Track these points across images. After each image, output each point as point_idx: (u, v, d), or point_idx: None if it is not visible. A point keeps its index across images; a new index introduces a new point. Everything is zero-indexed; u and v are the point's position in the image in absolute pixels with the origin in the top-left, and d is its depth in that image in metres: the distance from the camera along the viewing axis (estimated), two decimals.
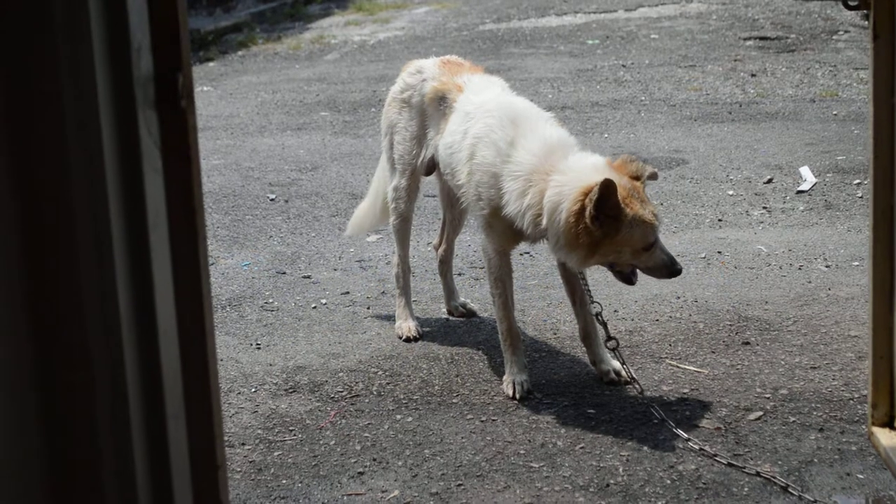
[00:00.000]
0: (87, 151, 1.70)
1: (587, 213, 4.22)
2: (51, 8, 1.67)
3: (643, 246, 4.34)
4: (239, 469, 4.19)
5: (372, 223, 5.84)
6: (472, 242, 6.72)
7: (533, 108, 4.81)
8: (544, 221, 4.38)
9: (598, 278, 5.53)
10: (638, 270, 4.50)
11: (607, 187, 4.18)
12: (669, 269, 4.43)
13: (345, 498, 3.97)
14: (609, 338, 4.68)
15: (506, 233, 4.64)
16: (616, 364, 4.76)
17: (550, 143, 4.55)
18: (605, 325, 4.69)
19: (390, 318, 5.55)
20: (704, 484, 3.91)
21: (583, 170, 4.39)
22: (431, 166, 5.22)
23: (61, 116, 1.69)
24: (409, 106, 5.22)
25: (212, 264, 6.48)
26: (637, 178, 4.44)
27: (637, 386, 4.58)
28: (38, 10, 1.67)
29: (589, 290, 4.77)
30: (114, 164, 1.74)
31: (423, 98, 5.13)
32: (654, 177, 4.54)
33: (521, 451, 4.22)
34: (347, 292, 6.04)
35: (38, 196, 1.70)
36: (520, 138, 4.57)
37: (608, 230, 4.26)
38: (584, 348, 4.93)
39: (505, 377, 4.75)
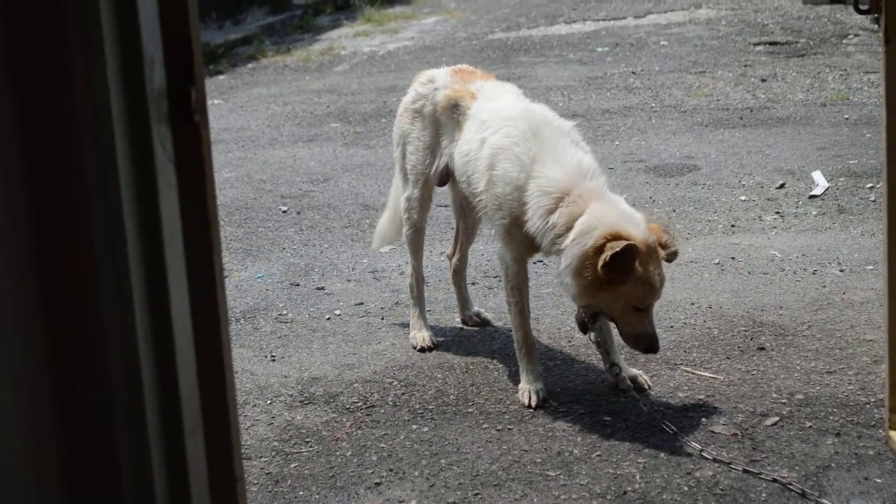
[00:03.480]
0: (101, 167, 1.70)
1: (602, 257, 4.23)
2: (63, 23, 1.67)
3: (637, 305, 4.36)
4: (256, 481, 4.19)
5: (396, 234, 5.82)
6: (485, 252, 6.72)
7: (554, 117, 4.80)
8: (566, 242, 4.38)
9: None
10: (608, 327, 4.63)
11: (630, 250, 4.22)
12: (648, 340, 4.44)
13: None
14: (612, 364, 4.76)
15: (524, 243, 4.62)
16: (632, 371, 4.76)
17: (582, 166, 4.53)
18: (607, 353, 4.78)
19: (405, 329, 5.55)
20: (722, 490, 3.90)
21: (622, 213, 4.40)
22: (445, 176, 5.22)
23: (76, 132, 1.69)
24: (422, 116, 5.22)
25: (226, 277, 6.48)
26: (664, 246, 4.43)
27: (644, 405, 4.54)
28: (51, 26, 1.67)
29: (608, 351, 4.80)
30: (128, 179, 1.74)
31: (436, 107, 5.13)
32: (674, 256, 4.51)
33: (538, 460, 4.21)
34: (361, 303, 6.04)
35: (54, 213, 1.71)
36: (546, 154, 4.56)
37: (614, 279, 4.28)
38: (598, 355, 4.92)
39: (520, 386, 4.74)
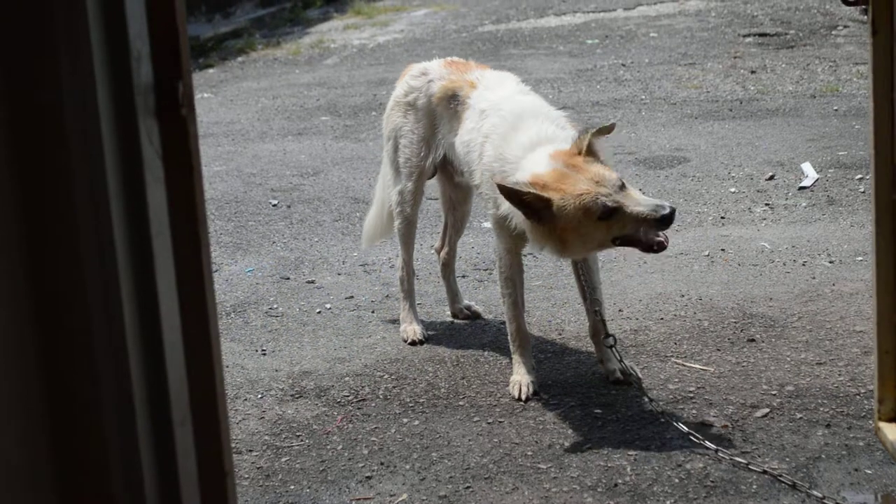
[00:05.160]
0: (88, 161, 1.70)
1: (520, 214, 4.24)
2: (51, 18, 1.67)
3: (597, 216, 4.15)
4: (247, 475, 4.19)
5: (384, 231, 5.79)
6: (475, 244, 6.72)
7: (542, 105, 4.79)
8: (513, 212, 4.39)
9: (602, 277, 5.53)
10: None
11: (503, 191, 4.20)
12: (654, 218, 4.11)
13: (353, 502, 3.97)
14: (606, 335, 4.68)
15: (514, 232, 4.60)
16: (624, 362, 4.76)
17: (537, 136, 4.49)
18: (604, 322, 4.71)
19: (395, 322, 5.55)
20: (713, 482, 3.91)
21: (529, 168, 4.35)
22: (434, 168, 5.23)
23: (62, 127, 1.69)
24: (415, 109, 5.20)
25: (215, 271, 6.48)
26: (578, 152, 4.29)
27: (647, 399, 4.52)
28: (38, 20, 1.67)
29: (604, 322, 4.74)
30: (115, 173, 1.74)
31: (431, 99, 5.12)
32: (603, 131, 4.34)
33: (529, 453, 4.22)
34: (352, 296, 6.04)
35: (41, 207, 1.71)
36: (516, 136, 4.54)
37: (548, 220, 4.21)
38: (589, 348, 4.92)
39: (512, 378, 4.74)
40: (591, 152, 4.32)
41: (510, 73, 5.17)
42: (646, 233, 4.18)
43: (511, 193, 4.18)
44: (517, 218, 4.35)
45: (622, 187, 4.20)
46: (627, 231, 4.19)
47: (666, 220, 4.13)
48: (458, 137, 4.93)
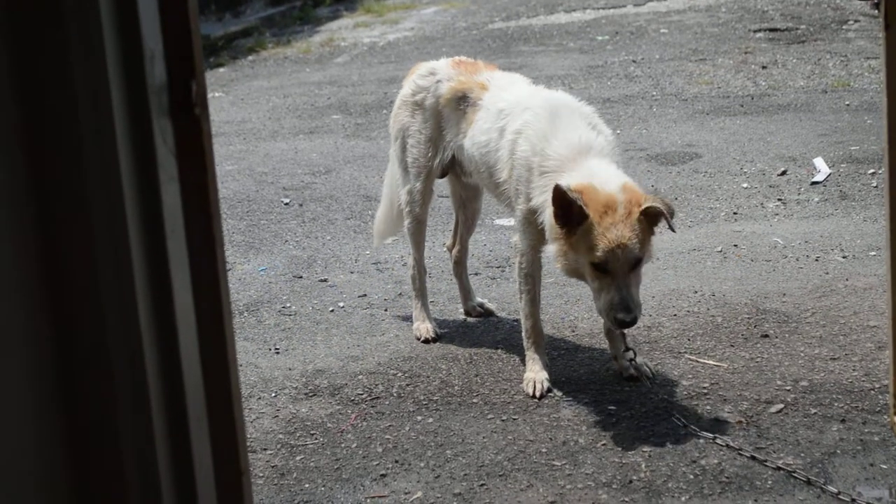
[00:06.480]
0: (103, 161, 1.70)
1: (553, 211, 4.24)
2: (63, 17, 1.67)
3: (593, 259, 4.20)
4: (262, 474, 4.19)
5: (394, 229, 5.81)
6: (487, 242, 6.72)
7: (572, 101, 4.77)
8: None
9: None
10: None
11: (555, 190, 4.18)
12: (613, 311, 4.23)
13: (368, 500, 3.97)
14: (626, 348, 4.67)
15: (539, 227, 4.58)
16: (637, 359, 4.75)
17: (584, 143, 4.49)
18: (623, 336, 4.68)
19: (408, 320, 5.55)
20: (727, 478, 3.90)
21: (595, 175, 4.34)
22: (445, 168, 5.22)
23: (77, 127, 1.69)
24: (423, 108, 5.20)
25: (228, 270, 6.48)
26: (646, 211, 4.25)
27: (656, 394, 4.53)
28: (51, 20, 1.67)
29: (625, 334, 4.70)
30: (130, 173, 1.74)
31: (439, 99, 5.12)
32: (655, 213, 4.28)
33: (543, 450, 4.22)
34: (364, 295, 6.04)
35: (55, 207, 1.71)
36: (555, 133, 4.53)
37: (569, 228, 4.24)
38: (602, 345, 4.92)
39: (525, 375, 4.74)
40: (651, 215, 4.29)
41: (518, 74, 5.17)
42: (596, 304, 4.36)
43: (561, 194, 4.18)
44: (547, 212, 4.34)
45: (631, 267, 4.23)
46: (594, 292, 4.32)
47: (619, 324, 4.28)
48: (468, 139, 4.92)
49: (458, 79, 5.09)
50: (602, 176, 4.33)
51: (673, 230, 4.43)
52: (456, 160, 5.15)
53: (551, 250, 4.39)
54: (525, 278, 4.77)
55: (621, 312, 4.21)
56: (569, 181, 4.26)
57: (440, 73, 5.20)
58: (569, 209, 4.19)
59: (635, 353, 4.72)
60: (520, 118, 4.66)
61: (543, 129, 4.55)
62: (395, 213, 5.63)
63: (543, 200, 4.40)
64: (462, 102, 5.01)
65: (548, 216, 4.34)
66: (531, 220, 4.58)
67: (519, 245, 4.77)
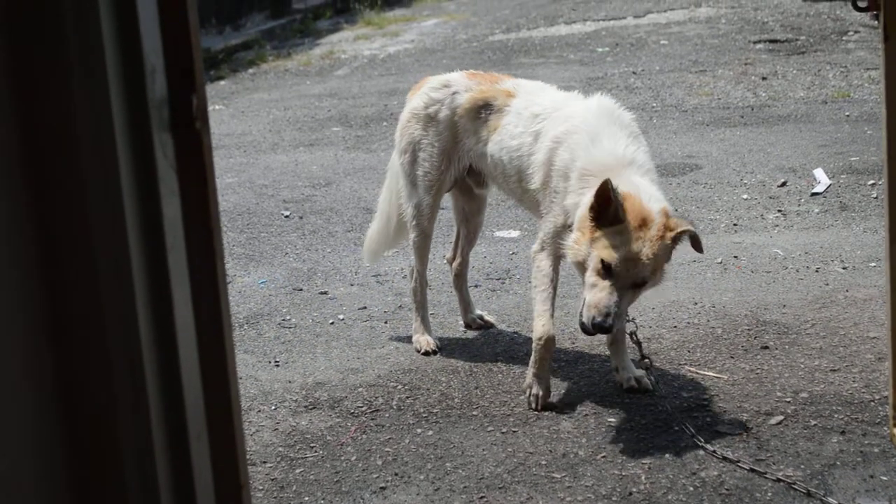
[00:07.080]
0: (103, 175, 1.71)
1: (591, 202, 4.26)
2: (64, 32, 1.68)
3: (606, 258, 4.23)
4: (261, 487, 4.19)
5: (388, 246, 5.78)
6: (487, 254, 6.72)
7: (614, 107, 4.78)
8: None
9: None
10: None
11: (604, 184, 4.20)
12: (593, 309, 4.25)
13: None
14: (642, 357, 4.65)
15: (568, 220, 4.57)
16: (638, 372, 4.75)
17: (623, 155, 4.52)
18: (639, 344, 4.66)
19: (408, 333, 5.55)
20: (727, 490, 3.90)
21: (636, 186, 4.37)
22: (454, 181, 5.23)
23: (77, 141, 1.69)
24: (436, 121, 5.18)
25: (228, 282, 6.49)
26: (671, 229, 4.30)
27: (664, 405, 4.51)
28: (52, 34, 1.68)
29: (640, 343, 4.70)
30: (130, 187, 1.74)
31: (456, 111, 5.10)
32: (679, 237, 4.37)
33: (543, 462, 4.22)
34: (365, 307, 6.04)
35: (56, 222, 1.71)
36: (595, 141, 4.55)
37: (599, 223, 4.26)
38: (602, 357, 4.92)
39: (526, 386, 4.72)
40: (677, 239, 4.34)
41: (542, 82, 5.21)
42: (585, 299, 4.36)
43: (609, 190, 4.19)
44: (583, 200, 4.37)
45: (633, 283, 4.28)
46: (587, 288, 4.33)
47: (591, 325, 4.27)
48: (492, 144, 4.92)
49: (479, 88, 5.09)
50: (646, 193, 4.37)
51: (700, 252, 4.50)
52: (473, 170, 5.14)
53: (571, 238, 4.39)
54: (543, 278, 4.68)
55: (600, 316, 4.22)
56: (618, 184, 4.28)
57: (456, 84, 5.19)
58: (606, 207, 4.22)
59: (651, 362, 4.70)
60: (560, 125, 4.67)
61: (586, 138, 4.57)
62: (392, 229, 5.60)
63: (578, 200, 4.43)
64: (483, 111, 5.01)
65: (582, 205, 4.37)
66: (561, 234, 4.57)
67: (540, 256, 4.72)
